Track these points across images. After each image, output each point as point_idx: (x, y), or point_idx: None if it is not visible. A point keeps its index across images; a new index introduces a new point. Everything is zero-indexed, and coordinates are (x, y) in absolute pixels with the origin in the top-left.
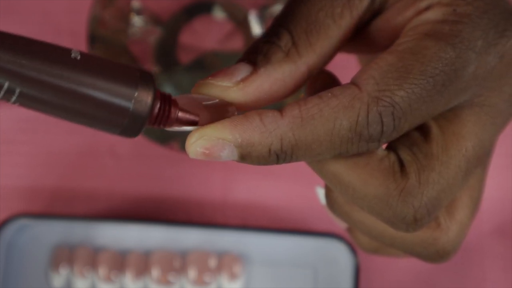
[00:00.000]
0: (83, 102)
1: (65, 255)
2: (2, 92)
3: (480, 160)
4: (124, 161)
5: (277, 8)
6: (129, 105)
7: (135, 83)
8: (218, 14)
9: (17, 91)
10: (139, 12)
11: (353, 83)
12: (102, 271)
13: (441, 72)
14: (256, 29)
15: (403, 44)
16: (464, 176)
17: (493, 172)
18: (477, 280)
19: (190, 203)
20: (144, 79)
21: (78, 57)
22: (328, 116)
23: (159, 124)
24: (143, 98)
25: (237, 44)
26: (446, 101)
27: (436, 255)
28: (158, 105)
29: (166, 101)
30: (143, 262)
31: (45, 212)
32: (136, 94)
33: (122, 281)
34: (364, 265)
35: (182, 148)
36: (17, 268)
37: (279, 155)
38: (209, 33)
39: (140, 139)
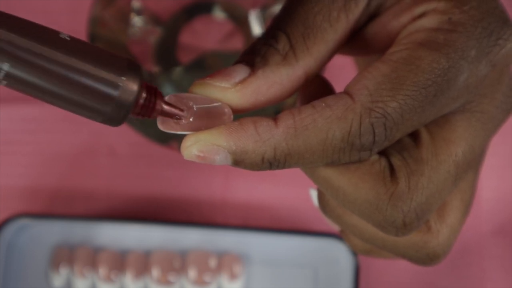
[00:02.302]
0: (69, 85)
1: (65, 255)
2: None
3: (470, 165)
4: (124, 161)
5: (277, 8)
6: (115, 92)
7: (123, 70)
8: (218, 14)
9: (4, 69)
10: (139, 12)
11: (347, 92)
12: (102, 271)
13: (434, 83)
14: (256, 29)
15: (396, 53)
16: (453, 181)
17: (492, 172)
18: (477, 280)
19: (190, 203)
20: (131, 68)
21: (68, 38)
22: (322, 126)
23: (143, 115)
24: (130, 86)
25: (237, 44)
26: (437, 110)
27: (426, 258)
28: (143, 95)
29: (152, 92)
30: (143, 262)
31: (45, 212)
32: (122, 82)
33: (122, 281)
34: (364, 265)
35: None
36: (17, 268)
37: (272, 163)
38: (209, 33)
39: (140, 139)
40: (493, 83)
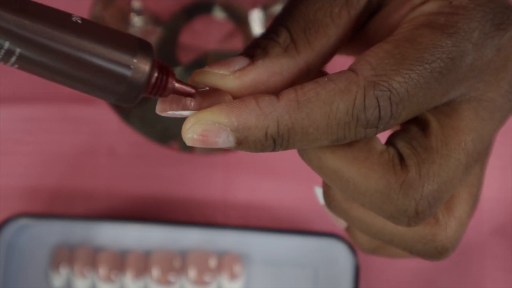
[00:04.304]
0: (82, 66)
1: (65, 255)
2: (2, 53)
3: (480, 155)
4: (124, 161)
5: (277, 8)
6: (128, 72)
7: (134, 50)
8: (218, 14)
9: (17, 52)
10: (139, 12)
11: (350, 69)
12: (102, 271)
13: (438, 59)
14: (256, 29)
15: (399, 34)
16: (464, 170)
17: (493, 172)
18: (477, 280)
19: (190, 203)
20: (142, 47)
21: (79, 21)
22: (325, 99)
23: (155, 94)
24: (142, 66)
25: (237, 44)
26: (443, 90)
27: (435, 251)
28: (155, 74)
29: (164, 71)
30: (143, 262)
31: (45, 212)
32: (134, 61)
33: (122, 281)
34: (364, 265)
35: (182, 148)
36: (17, 268)
37: (276, 139)
38: (209, 33)
39: (140, 139)
40: (498, 69)
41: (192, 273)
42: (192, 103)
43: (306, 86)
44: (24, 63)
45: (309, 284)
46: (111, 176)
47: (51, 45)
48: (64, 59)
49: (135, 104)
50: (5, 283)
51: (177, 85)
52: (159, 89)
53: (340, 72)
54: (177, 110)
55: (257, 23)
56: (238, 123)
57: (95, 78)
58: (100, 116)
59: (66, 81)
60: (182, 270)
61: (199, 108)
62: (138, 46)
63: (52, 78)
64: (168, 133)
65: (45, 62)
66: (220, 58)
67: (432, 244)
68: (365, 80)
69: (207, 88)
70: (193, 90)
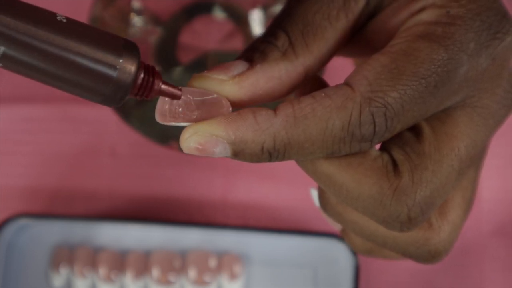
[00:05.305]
0: (66, 66)
1: (65, 255)
2: None
3: (473, 160)
4: (124, 161)
5: (277, 8)
6: (113, 72)
7: (120, 51)
8: (218, 14)
9: (1, 50)
10: (139, 12)
11: (346, 83)
12: (102, 271)
13: (433, 73)
14: (256, 29)
15: (396, 45)
16: (457, 175)
17: (492, 173)
18: (476, 280)
19: (190, 203)
20: (128, 48)
21: (64, 20)
22: (321, 115)
23: (142, 95)
24: (128, 67)
25: (237, 44)
26: (438, 102)
27: (428, 255)
28: (141, 75)
29: (150, 72)
30: (143, 262)
31: (45, 212)
32: (120, 61)
33: (122, 281)
34: (364, 265)
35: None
36: (17, 268)
37: (272, 153)
38: (209, 33)
39: (140, 139)
40: (493, 77)
41: (192, 273)
42: (196, 113)
43: (303, 101)
44: (8, 62)
45: (309, 284)
46: (111, 176)
47: (35, 43)
48: (49, 58)
49: (120, 104)
50: (5, 283)
51: (163, 86)
52: (145, 90)
53: (337, 87)
54: (176, 122)
55: (257, 23)
56: (235, 137)
57: (80, 78)
58: (100, 116)
59: (51, 81)
60: (182, 270)
61: (197, 119)
62: (123, 46)
63: (37, 77)
64: (168, 133)
65: (29, 61)
66: (220, 58)
67: (425, 248)
68: (361, 96)
69: (212, 96)
70: (179, 92)
